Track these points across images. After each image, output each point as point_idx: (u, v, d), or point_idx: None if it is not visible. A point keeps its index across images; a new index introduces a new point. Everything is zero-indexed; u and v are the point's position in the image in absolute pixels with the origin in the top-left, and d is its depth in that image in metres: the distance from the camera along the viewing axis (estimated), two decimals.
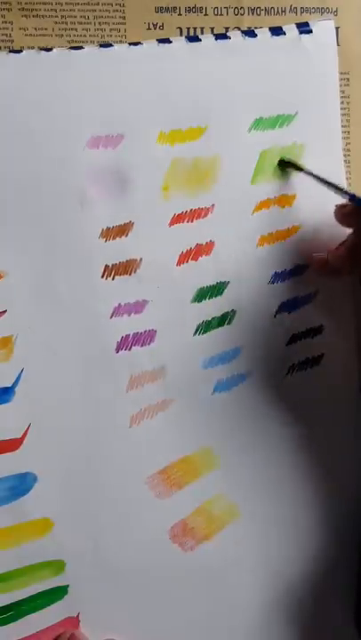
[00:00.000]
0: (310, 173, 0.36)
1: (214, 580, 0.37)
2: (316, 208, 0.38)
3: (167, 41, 0.35)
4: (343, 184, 0.38)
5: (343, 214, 0.35)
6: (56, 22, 0.38)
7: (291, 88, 0.37)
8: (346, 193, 0.34)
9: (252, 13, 0.40)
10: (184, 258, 0.36)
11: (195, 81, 0.35)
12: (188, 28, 0.39)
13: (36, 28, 0.38)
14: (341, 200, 0.35)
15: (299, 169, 0.36)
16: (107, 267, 0.35)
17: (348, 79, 0.40)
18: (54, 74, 0.33)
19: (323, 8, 0.40)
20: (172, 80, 0.35)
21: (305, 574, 0.38)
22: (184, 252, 0.36)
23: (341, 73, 0.38)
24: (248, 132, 0.36)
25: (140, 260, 0.35)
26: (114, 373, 0.35)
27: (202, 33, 0.39)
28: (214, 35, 0.36)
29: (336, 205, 0.36)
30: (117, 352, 0.35)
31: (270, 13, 0.40)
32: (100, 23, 0.38)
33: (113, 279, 0.35)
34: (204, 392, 0.37)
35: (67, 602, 0.35)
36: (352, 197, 0.33)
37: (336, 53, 0.37)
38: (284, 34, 0.36)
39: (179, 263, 0.36)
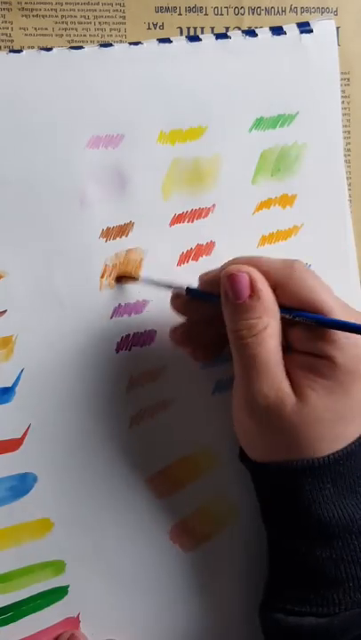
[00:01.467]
0: (148, 280, 0.35)
1: (214, 580, 0.37)
2: (317, 208, 0.38)
3: (167, 41, 0.35)
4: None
5: (178, 305, 0.34)
6: (56, 22, 0.38)
7: (291, 88, 0.37)
8: (179, 288, 0.33)
9: (253, 13, 0.40)
10: (185, 258, 0.36)
11: (195, 81, 0.35)
12: (189, 28, 0.39)
13: (35, 28, 0.38)
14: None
15: (134, 279, 0.35)
16: (107, 267, 0.35)
17: (348, 79, 0.40)
18: (54, 74, 0.33)
19: (323, 8, 0.40)
20: (173, 80, 0.35)
21: None
22: (184, 252, 0.36)
23: (342, 73, 0.38)
24: (249, 131, 0.36)
25: (141, 260, 0.35)
26: (114, 373, 0.35)
27: (202, 33, 0.39)
28: (215, 34, 0.36)
29: (172, 294, 0.34)
30: (117, 352, 0.35)
31: (271, 13, 0.40)
32: (100, 23, 0.38)
33: (113, 279, 0.35)
34: (204, 392, 0.37)
35: (67, 602, 0.35)
36: (188, 290, 0.33)
37: (337, 53, 0.37)
38: (285, 33, 0.36)
39: (179, 263, 0.36)
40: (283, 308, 0.30)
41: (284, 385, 0.30)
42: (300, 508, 0.30)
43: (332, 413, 0.29)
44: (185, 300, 0.34)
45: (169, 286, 0.34)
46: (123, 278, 0.35)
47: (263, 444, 0.31)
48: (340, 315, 0.29)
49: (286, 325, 0.31)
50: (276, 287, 0.30)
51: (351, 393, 0.29)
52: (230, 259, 0.32)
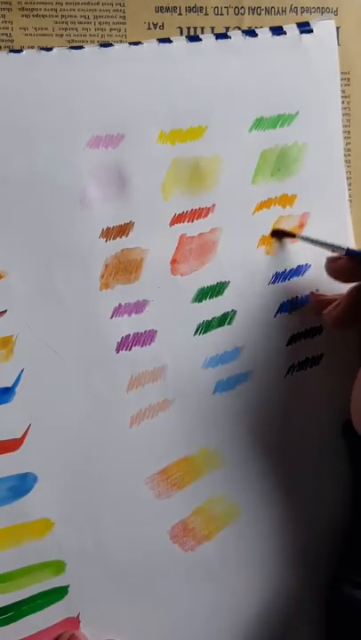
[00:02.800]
0: (305, 238, 0.35)
1: (215, 580, 0.37)
2: (316, 208, 0.38)
3: (168, 40, 0.35)
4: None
5: (336, 269, 0.34)
6: (56, 22, 0.38)
7: (291, 88, 0.37)
8: (340, 249, 0.33)
9: (253, 13, 0.40)
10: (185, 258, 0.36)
11: (195, 80, 0.35)
12: (189, 28, 0.39)
13: (36, 28, 0.38)
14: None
15: (292, 236, 0.35)
16: (107, 267, 0.35)
17: (348, 79, 0.40)
18: (54, 74, 0.33)
19: (323, 8, 0.40)
20: (173, 80, 0.35)
21: (306, 574, 0.38)
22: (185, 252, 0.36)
23: (342, 73, 0.38)
24: (249, 131, 0.36)
25: (141, 260, 0.35)
26: (114, 373, 0.35)
27: (202, 32, 0.39)
28: (215, 34, 0.36)
29: (327, 258, 0.34)
30: (118, 352, 0.35)
31: (271, 13, 0.40)
32: (100, 23, 0.38)
33: (113, 279, 0.35)
34: (205, 392, 0.37)
35: (67, 602, 0.35)
36: (348, 252, 0.32)
37: (337, 53, 0.37)
38: (285, 33, 0.36)
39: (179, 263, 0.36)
40: None
41: None
42: None
43: None
44: (344, 263, 0.33)
45: (329, 246, 0.33)
46: (280, 232, 0.35)
47: None
48: None
49: None
50: None
51: None
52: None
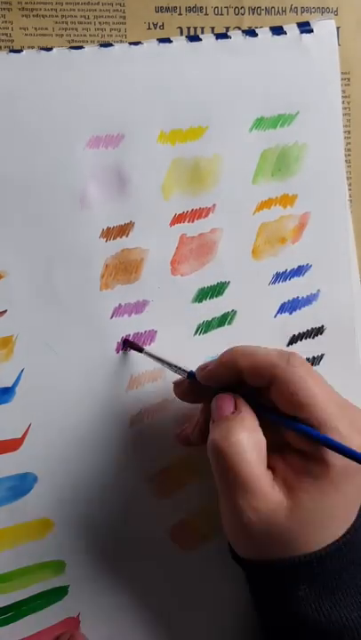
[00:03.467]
0: (150, 355, 0.35)
1: (215, 580, 0.37)
2: (317, 208, 0.38)
3: (168, 40, 0.35)
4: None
5: (182, 392, 0.34)
6: (56, 22, 0.38)
7: (292, 88, 0.37)
8: (182, 371, 0.33)
9: (253, 13, 0.40)
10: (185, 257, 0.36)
11: (195, 80, 0.35)
12: (189, 28, 0.39)
13: (36, 28, 0.38)
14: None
15: (140, 350, 0.35)
16: (107, 267, 0.35)
17: (348, 79, 0.40)
18: (54, 74, 0.33)
19: (323, 8, 0.40)
20: (173, 80, 0.35)
21: None
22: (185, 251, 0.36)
23: (342, 73, 0.38)
24: (249, 131, 0.36)
25: (141, 260, 0.35)
26: (114, 373, 0.35)
27: (202, 32, 0.39)
28: (215, 34, 0.36)
29: (173, 383, 0.34)
30: (118, 352, 0.35)
31: (271, 13, 0.40)
32: (100, 23, 0.38)
33: (113, 279, 0.35)
34: None
35: (67, 602, 0.35)
36: (190, 374, 0.33)
37: (337, 53, 0.37)
38: (285, 33, 0.36)
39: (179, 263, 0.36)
40: (278, 414, 0.30)
41: (274, 494, 0.29)
42: (284, 607, 0.30)
43: (322, 513, 0.29)
44: (187, 386, 0.34)
45: (172, 367, 0.34)
46: (127, 342, 0.35)
47: (253, 546, 0.30)
48: (334, 424, 0.29)
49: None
50: (271, 382, 0.30)
51: (343, 490, 0.29)
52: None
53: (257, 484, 0.29)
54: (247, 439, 0.29)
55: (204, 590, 0.37)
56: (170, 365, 0.34)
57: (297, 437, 0.30)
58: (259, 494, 0.29)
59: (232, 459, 0.29)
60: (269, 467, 0.30)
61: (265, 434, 0.30)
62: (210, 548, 0.37)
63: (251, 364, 0.30)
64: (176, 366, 0.34)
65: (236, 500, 0.29)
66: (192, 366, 0.35)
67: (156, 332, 0.36)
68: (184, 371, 0.33)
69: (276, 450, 0.31)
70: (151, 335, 0.36)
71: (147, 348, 0.35)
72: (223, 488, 0.30)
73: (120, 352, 0.35)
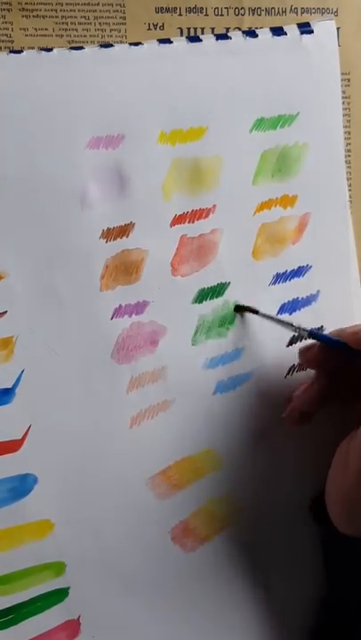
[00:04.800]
0: (266, 315, 0.34)
1: (216, 581, 0.37)
2: (317, 209, 0.38)
3: (168, 41, 0.35)
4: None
5: (309, 357, 0.34)
6: (56, 22, 0.38)
7: (292, 88, 0.37)
8: (305, 331, 0.33)
9: (253, 13, 0.40)
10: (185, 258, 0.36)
11: (195, 81, 0.35)
12: (189, 29, 0.39)
13: (36, 29, 0.38)
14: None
15: (255, 312, 0.35)
16: (107, 267, 0.35)
17: (348, 79, 0.40)
18: (54, 74, 0.33)
19: (323, 8, 0.40)
20: (173, 80, 0.35)
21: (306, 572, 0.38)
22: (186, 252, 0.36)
23: (342, 73, 0.38)
24: (249, 132, 0.36)
25: (141, 260, 0.35)
26: (114, 374, 0.35)
27: (202, 33, 0.39)
28: (215, 35, 0.36)
29: (300, 349, 0.34)
30: (118, 352, 0.35)
31: (271, 14, 0.40)
32: (100, 23, 0.38)
33: (114, 280, 0.35)
34: (205, 393, 0.37)
35: (67, 604, 0.35)
36: (322, 337, 0.32)
37: (337, 53, 0.37)
38: (285, 34, 0.36)
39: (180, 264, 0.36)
40: None
41: None
42: None
43: None
44: (317, 350, 0.33)
45: (290, 325, 0.33)
46: (244, 308, 0.35)
47: None
48: None
49: None
50: None
51: None
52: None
53: None
54: None
55: (205, 591, 0.37)
56: (286, 324, 0.33)
57: None
58: None
59: None
60: None
61: None
62: (211, 549, 0.37)
63: None
64: (294, 325, 0.33)
65: None
66: (190, 367, 0.35)
67: (156, 332, 0.36)
68: (304, 329, 0.32)
69: None
70: (151, 336, 0.36)
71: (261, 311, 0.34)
72: None
73: (120, 352, 0.35)
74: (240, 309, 0.35)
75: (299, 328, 0.33)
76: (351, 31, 0.40)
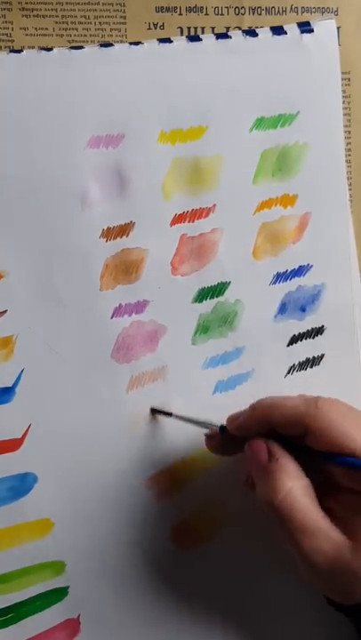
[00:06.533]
0: (180, 417, 0.35)
1: (215, 580, 0.37)
2: (317, 208, 0.38)
3: (168, 40, 0.35)
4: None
5: (214, 444, 0.34)
6: (56, 22, 0.38)
7: (292, 87, 0.37)
8: (212, 426, 0.34)
9: (253, 13, 0.40)
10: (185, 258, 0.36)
11: (196, 80, 0.35)
12: (189, 28, 0.39)
13: (36, 28, 0.38)
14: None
15: (168, 415, 0.35)
16: (107, 267, 0.35)
17: (348, 79, 0.40)
18: (54, 74, 0.33)
19: (323, 8, 0.40)
20: (173, 80, 0.35)
21: None
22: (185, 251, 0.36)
23: (342, 73, 0.38)
24: (249, 131, 0.36)
25: (141, 260, 0.35)
26: (114, 373, 0.35)
27: (202, 33, 0.39)
28: (215, 34, 0.36)
29: (205, 436, 0.34)
30: (118, 352, 0.35)
31: (271, 13, 0.40)
32: (100, 23, 0.38)
33: (114, 279, 0.35)
34: (205, 392, 0.37)
35: (67, 603, 0.35)
36: (222, 428, 0.33)
37: (337, 53, 0.37)
38: (286, 33, 0.36)
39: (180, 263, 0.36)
40: (318, 453, 0.30)
41: (335, 534, 0.29)
42: None
43: None
44: (219, 440, 0.34)
45: (202, 424, 0.34)
46: (155, 410, 0.35)
47: (332, 590, 0.30)
48: None
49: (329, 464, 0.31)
50: (305, 432, 0.30)
51: None
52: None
53: (316, 526, 0.29)
54: (296, 487, 0.30)
55: (204, 591, 0.37)
56: (199, 423, 0.34)
57: (345, 476, 0.30)
58: (320, 536, 0.29)
59: (287, 511, 0.29)
60: (324, 509, 0.30)
61: (309, 476, 0.30)
62: (210, 549, 0.37)
63: (281, 418, 0.31)
64: (206, 423, 0.34)
65: (301, 545, 0.29)
66: (190, 367, 0.35)
67: (156, 332, 0.36)
68: (215, 426, 0.33)
69: (326, 491, 0.31)
70: (151, 335, 0.36)
71: (174, 412, 0.35)
72: (287, 537, 0.30)
73: (120, 352, 0.35)
74: (155, 412, 0.36)
75: (212, 425, 0.34)
76: (351, 30, 0.40)
